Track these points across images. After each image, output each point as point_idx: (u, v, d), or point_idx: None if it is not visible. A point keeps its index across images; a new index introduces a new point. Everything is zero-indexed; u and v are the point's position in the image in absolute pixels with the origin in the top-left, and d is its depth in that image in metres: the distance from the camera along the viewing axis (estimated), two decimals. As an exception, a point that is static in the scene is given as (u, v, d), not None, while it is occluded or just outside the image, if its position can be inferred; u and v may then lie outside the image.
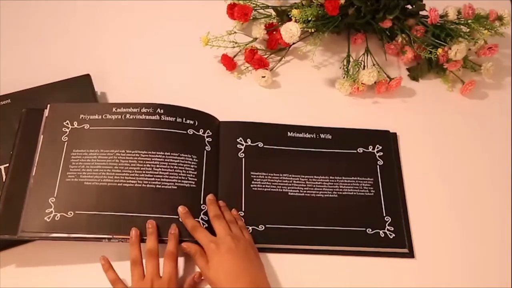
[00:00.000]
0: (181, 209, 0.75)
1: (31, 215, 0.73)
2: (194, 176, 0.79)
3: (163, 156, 0.78)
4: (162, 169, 0.78)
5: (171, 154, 0.79)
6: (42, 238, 0.73)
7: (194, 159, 0.80)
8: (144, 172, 0.77)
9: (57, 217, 0.73)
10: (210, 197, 0.78)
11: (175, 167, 0.78)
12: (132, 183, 0.76)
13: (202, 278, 0.73)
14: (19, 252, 0.75)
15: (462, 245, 0.80)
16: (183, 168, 0.79)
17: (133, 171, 0.77)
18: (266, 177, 0.81)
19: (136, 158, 0.78)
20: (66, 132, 0.80)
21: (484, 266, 0.78)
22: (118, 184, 0.76)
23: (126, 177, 0.76)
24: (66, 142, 0.79)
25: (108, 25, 1.04)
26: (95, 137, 0.79)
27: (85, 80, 0.89)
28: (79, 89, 0.88)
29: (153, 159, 0.78)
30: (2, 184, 0.76)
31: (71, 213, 0.74)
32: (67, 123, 0.80)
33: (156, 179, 0.77)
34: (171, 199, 0.76)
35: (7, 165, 0.78)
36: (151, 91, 0.93)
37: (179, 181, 0.78)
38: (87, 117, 0.81)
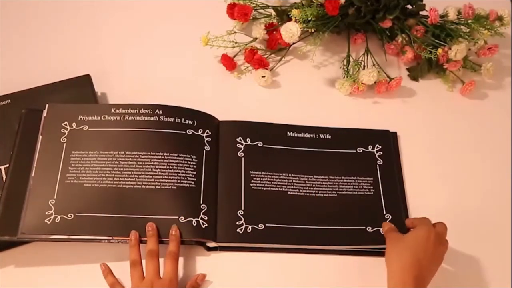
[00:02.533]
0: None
1: (31, 217, 0.73)
2: (193, 176, 0.79)
3: (163, 157, 0.79)
4: (162, 170, 0.78)
5: (170, 154, 0.79)
6: (42, 240, 0.73)
7: (194, 159, 0.80)
8: (143, 173, 0.77)
9: (57, 219, 0.73)
10: None
11: (174, 167, 0.78)
12: (131, 185, 0.76)
13: (205, 279, 0.74)
14: (18, 252, 0.75)
15: (462, 244, 0.80)
16: (183, 168, 0.79)
17: (132, 172, 0.77)
18: (265, 176, 0.81)
19: (135, 159, 0.78)
20: (65, 133, 0.80)
21: (484, 266, 0.78)
22: (118, 186, 0.76)
23: (125, 179, 0.76)
24: (65, 144, 0.79)
25: (108, 25, 1.04)
26: (94, 138, 0.79)
27: (85, 80, 0.89)
28: (79, 89, 0.88)
29: (152, 160, 0.78)
30: (2, 184, 0.76)
31: (71, 215, 0.74)
32: (66, 124, 0.80)
33: (155, 180, 0.77)
34: (171, 199, 0.76)
35: (7, 165, 0.78)
36: (151, 91, 0.93)
37: (178, 181, 0.78)
38: (86, 118, 0.81)
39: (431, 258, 0.70)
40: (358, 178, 0.83)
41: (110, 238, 0.74)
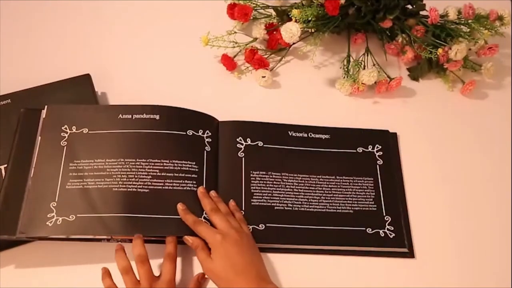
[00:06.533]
0: (180, 206, 0.75)
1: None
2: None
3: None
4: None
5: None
6: (42, 239, 0.74)
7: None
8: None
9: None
10: (201, 189, 0.77)
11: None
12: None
13: (206, 277, 0.74)
14: (18, 252, 0.75)
15: (462, 245, 0.80)
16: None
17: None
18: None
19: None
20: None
21: (484, 266, 0.78)
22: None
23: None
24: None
25: (108, 25, 1.04)
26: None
27: (85, 80, 0.89)
28: (79, 89, 0.88)
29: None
30: (2, 184, 0.76)
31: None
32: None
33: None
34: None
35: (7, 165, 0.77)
36: (151, 91, 0.93)
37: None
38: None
39: (249, 250, 0.71)
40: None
41: (109, 237, 0.74)
